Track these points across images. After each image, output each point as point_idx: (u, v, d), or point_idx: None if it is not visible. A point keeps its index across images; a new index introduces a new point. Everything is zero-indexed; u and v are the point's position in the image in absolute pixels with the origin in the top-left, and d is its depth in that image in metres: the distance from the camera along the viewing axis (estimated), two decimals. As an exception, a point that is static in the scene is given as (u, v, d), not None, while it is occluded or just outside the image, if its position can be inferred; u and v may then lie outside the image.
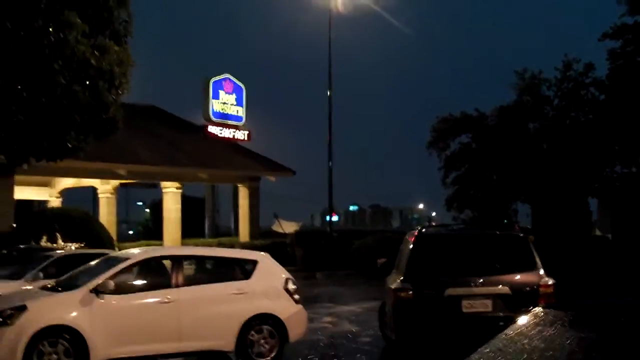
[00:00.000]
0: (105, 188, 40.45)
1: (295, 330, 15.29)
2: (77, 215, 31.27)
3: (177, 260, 14.87)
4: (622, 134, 37.11)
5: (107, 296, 13.67)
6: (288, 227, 51.22)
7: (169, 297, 14.13)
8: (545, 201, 41.16)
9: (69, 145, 24.25)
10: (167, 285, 14.40)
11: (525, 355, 5.60)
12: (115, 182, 39.95)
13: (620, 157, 39.52)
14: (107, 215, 39.70)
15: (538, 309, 6.29)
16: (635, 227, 35.85)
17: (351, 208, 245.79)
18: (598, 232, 47.17)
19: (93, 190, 44.24)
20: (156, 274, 15.07)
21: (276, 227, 52.49)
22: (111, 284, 13.66)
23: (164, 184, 41.36)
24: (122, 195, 45.70)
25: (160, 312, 14.12)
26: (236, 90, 49.55)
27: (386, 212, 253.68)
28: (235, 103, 49.16)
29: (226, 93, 48.67)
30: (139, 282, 14.72)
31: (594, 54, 41.46)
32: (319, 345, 17.28)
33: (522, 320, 6.17)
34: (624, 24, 37.80)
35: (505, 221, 18.02)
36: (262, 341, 14.80)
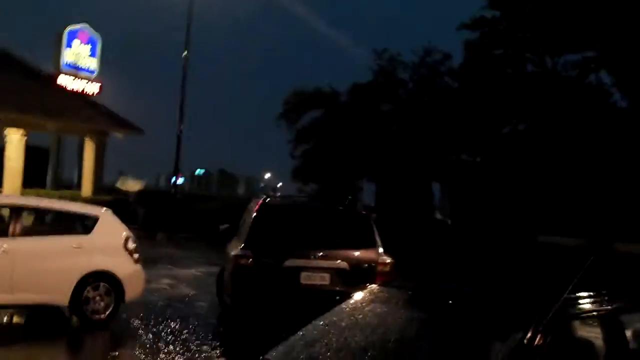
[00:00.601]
0: (-55, 132, 39.10)
1: (132, 289, 15.16)
2: None
3: (16, 210, 14.45)
4: (470, 124, 38.03)
5: (-61, 242, 13.25)
6: (132, 185, 50.63)
7: (4, 247, 13.77)
8: (390, 181, 41.94)
9: None
10: (3, 234, 14.01)
11: (357, 330, 5.74)
12: (-44, 126, 38.64)
13: (467, 146, 40.48)
14: (-55, 160, 38.45)
15: (374, 286, 6.43)
16: (473, 214, 36.93)
17: (198, 172, 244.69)
18: (439, 216, 48.38)
19: None
20: (-8, 222, 14.69)
21: (120, 185, 51.81)
22: (-55, 230, 13.25)
23: (7, 130, 40.13)
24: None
25: (-5, 262, 13.77)
26: (91, 41, 48.32)
27: (233, 179, 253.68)
28: (89, 54, 47.98)
29: (81, 43, 47.44)
30: (-26, 229, 14.31)
31: (452, 44, 42.33)
32: (155, 307, 17.19)
33: (358, 296, 6.30)
34: (482, 16, 38.54)
35: (350, 197, 18.26)
36: (98, 298, 14.60)
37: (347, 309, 6.13)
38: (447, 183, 43.86)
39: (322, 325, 6.01)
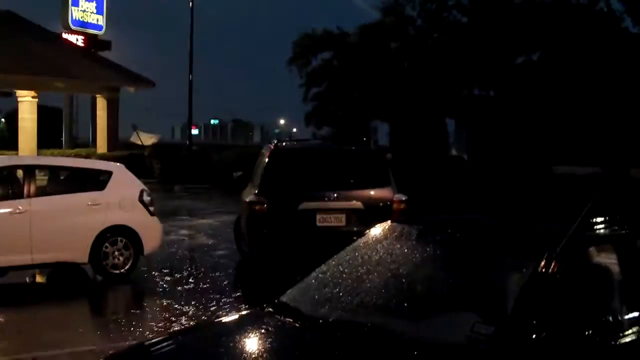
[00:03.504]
0: (-43, 96, 39.12)
1: (150, 242, 15.18)
2: None
3: (30, 169, 14.42)
4: (482, 58, 37.74)
5: (-45, 205, 13.27)
6: (147, 139, 50.66)
7: (20, 207, 13.77)
8: (403, 120, 41.76)
9: None
10: (19, 195, 13.96)
11: (371, 267, 5.72)
12: (-32, 90, 38.65)
13: (479, 80, 40.20)
14: (-41, 123, 38.58)
15: (387, 223, 6.38)
16: (489, 149, 36.81)
17: (212, 122, 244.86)
18: (454, 152, 48.25)
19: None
20: (8, 183, 14.57)
21: (135, 139, 51.82)
22: (-40, 193, 13.25)
23: (19, 92, 40.12)
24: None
25: (12, 223, 13.73)
26: (97, -3, 48.06)
27: (247, 127, 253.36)
28: (95, 11, 47.73)
29: (87, 0, 47.18)
30: (-10, 191, 14.30)
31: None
32: (174, 258, 17.28)
33: (370, 233, 6.26)
34: None
35: (364, 138, 18.23)
36: (117, 253, 14.63)
37: (361, 246, 6.11)
38: (462, 119, 43.67)
39: (335, 264, 6.00)
